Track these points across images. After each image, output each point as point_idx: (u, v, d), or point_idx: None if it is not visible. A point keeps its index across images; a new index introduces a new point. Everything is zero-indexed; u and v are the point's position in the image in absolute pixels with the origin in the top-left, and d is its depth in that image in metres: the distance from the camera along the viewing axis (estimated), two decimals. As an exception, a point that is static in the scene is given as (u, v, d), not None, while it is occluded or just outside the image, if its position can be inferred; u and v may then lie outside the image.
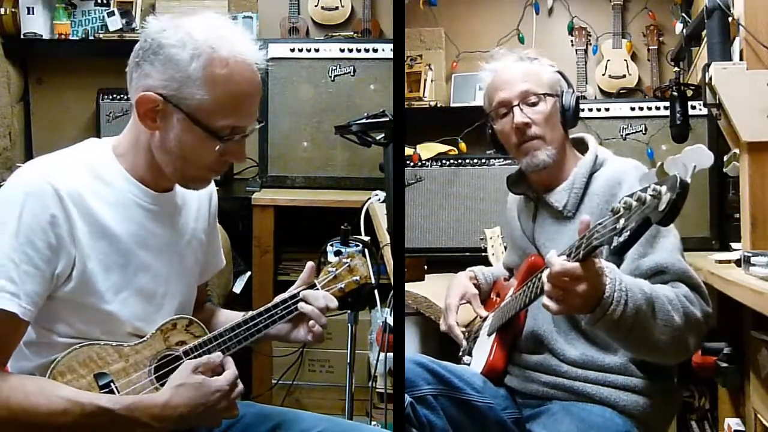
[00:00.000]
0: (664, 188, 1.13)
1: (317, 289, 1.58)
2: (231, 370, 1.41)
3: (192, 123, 1.32)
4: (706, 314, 1.52)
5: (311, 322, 1.54)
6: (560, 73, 1.79)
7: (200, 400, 1.34)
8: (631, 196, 1.21)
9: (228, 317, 1.63)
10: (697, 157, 1.22)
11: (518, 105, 1.70)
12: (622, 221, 1.22)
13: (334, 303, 1.55)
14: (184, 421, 1.33)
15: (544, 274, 1.40)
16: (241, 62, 1.32)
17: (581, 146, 1.80)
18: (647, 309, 1.43)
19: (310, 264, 1.60)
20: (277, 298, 1.56)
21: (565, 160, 1.74)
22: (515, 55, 1.78)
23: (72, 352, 1.34)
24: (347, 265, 1.63)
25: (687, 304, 1.49)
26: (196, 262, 1.56)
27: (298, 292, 1.56)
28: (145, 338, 1.42)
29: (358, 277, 1.63)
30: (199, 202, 1.55)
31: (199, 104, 1.31)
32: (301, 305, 1.54)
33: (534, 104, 1.70)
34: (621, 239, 1.22)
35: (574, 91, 1.76)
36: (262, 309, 1.53)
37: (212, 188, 1.60)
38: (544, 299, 1.40)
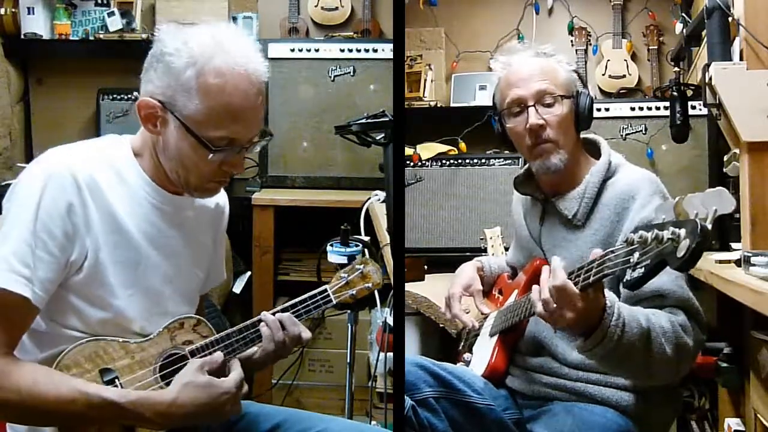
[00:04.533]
0: (683, 232, 1.09)
1: (327, 294, 1.57)
2: (238, 371, 1.41)
3: (185, 130, 1.32)
4: (699, 343, 1.51)
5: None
6: (576, 72, 1.75)
7: (207, 401, 1.34)
8: (647, 229, 1.17)
9: None
10: (718, 201, 1.17)
11: (534, 105, 1.65)
12: (636, 255, 1.19)
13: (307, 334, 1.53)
14: (188, 419, 1.34)
15: (544, 282, 1.39)
16: (238, 74, 1.30)
17: (591, 147, 1.76)
18: (640, 344, 1.40)
19: None
20: (296, 299, 1.55)
21: (576, 164, 1.70)
22: (532, 50, 1.72)
23: (78, 346, 1.35)
24: (360, 271, 1.61)
25: (681, 334, 1.46)
26: (202, 269, 1.57)
27: (317, 293, 1.56)
28: (151, 336, 1.42)
29: (370, 284, 1.61)
30: (212, 212, 1.56)
31: (192, 113, 1.31)
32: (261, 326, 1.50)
33: (549, 105, 1.66)
34: (635, 275, 1.19)
35: (588, 93, 1.72)
36: (276, 310, 1.52)
37: (225, 201, 1.61)
38: (536, 301, 1.41)
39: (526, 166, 1.81)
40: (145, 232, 1.40)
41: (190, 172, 1.38)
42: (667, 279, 1.50)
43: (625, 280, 1.23)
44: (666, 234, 1.12)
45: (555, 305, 1.36)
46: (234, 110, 1.32)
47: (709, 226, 1.08)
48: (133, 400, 1.31)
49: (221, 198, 1.59)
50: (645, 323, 1.42)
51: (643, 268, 1.17)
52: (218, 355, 1.42)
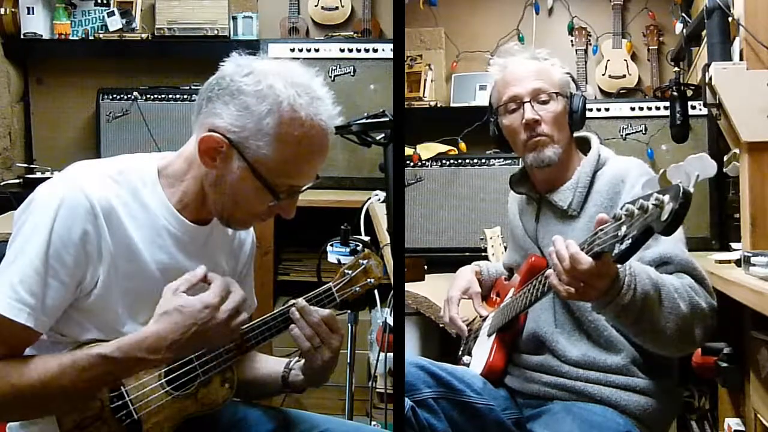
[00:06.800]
0: (666, 197, 1.13)
1: (332, 293, 1.53)
2: (238, 292, 1.32)
3: (251, 173, 1.29)
4: (712, 307, 1.53)
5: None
6: (569, 75, 1.79)
7: (188, 321, 1.27)
8: (633, 203, 1.21)
9: (267, 364, 1.58)
10: (700, 165, 1.21)
11: (529, 102, 1.70)
12: (623, 228, 1.22)
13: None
14: (180, 347, 1.28)
15: (556, 268, 1.40)
16: (317, 125, 1.28)
17: (583, 145, 1.80)
18: (654, 295, 1.44)
19: None
20: (299, 299, 1.48)
21: (569, 160, 1.75)
22: (528, 53, 1.78)
23: None
24: (363, 267, 1.59)
25: (692, 294, 1.50)
26: None
27: (321, 292, 1.51)
28: None
29: (372, 279, 1.60)
30: (235, 244, 1.51)
31: (263, 158, 1.28)
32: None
33: (545, 102, 1.70)
34: (623, 247, 1.22)
35: (582, 94, 1.77)
36: (278, 311, 1.46)
37: (251, 232, 1.56)
38: (556, 283, 1.40)
39: (522, 164, 1.84)
40: (160, 262, 1.35)
41: (240, 208, 1.34)
42: (669, 244, 1.54)
43: (613, 254, 1.26)
44: (651, 202, 1.15)
45: (581, 284, 1.36)
46: (307, 161, 1.31)
47: (692, 190, 1.12)
48: (119, 346, 1.25)
49: None
50: (654, 276, 1.46)
51: (630, 239, 1.20)
52: (199, 270, 1.33)
